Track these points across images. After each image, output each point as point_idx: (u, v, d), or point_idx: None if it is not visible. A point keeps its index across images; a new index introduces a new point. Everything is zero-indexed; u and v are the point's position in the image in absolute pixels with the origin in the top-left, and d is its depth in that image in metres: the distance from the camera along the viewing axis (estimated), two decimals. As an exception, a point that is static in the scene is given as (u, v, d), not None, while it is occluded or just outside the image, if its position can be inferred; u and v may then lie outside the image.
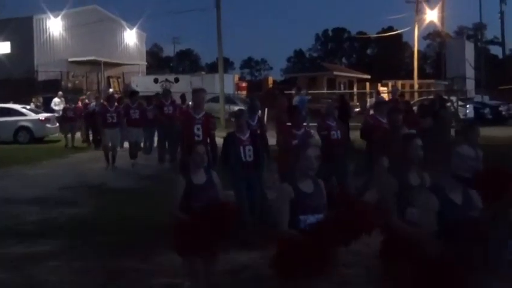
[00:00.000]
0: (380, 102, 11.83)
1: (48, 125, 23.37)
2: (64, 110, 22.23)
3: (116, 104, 15.73)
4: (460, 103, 29.64)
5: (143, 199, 10.88)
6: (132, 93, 17.50)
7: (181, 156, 10.27)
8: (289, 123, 9.28)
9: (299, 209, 4.46)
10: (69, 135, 21.10)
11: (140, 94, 18.50)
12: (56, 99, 26.84)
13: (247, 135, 8.09)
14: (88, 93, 27.53)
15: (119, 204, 10.52)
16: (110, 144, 14.97)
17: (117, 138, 15.23)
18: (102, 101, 19.57)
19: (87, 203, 10.71)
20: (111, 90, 33.13)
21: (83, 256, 7.41)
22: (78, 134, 21.66)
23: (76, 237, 8.29)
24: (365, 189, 9.03)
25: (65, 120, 21.44)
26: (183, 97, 18.47)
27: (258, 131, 9.36)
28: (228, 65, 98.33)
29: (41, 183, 13.04)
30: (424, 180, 4.74)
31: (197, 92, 9.21)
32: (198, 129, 8.76)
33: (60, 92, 28.32)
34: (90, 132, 20.81)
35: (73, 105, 22.16)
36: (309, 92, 40.29)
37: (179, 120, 10.21)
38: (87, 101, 22.57)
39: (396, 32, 63.54)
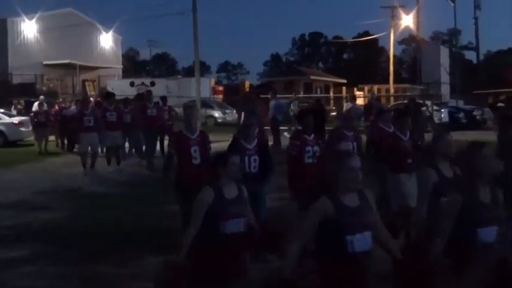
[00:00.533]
0: (383, 111, 11.22)
1: (23, 129, 23.02)
2: (35, 114, 21.00)
3: (92, 106, 15.39)
4: (435, 107, 29.93)
5: (119, 204, 10.81)
6: (107, 95, 17.08)
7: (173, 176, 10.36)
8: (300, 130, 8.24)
9: (346, 228, 3.71)
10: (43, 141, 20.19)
11: (116, 97, 18.34)
12: (36, 103, 26.47)
13: (254, 144, 7.34)
14: (63, 96, 27.29)
15: (95, 209, 10.42)
16: (88, 151, 14.47)
17: (96, 143, 14.57)
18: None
19: (62, 208, 10.62)
20: (91, 93, 31.85)
21: (57, 261, 7.34)
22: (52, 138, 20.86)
23: (51, 242, 8.19)
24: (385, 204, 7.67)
25: (37, 125, 20.44)
26: (164, 99, 17.97)
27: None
28: (204, 69, 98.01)
29: (15, 188, 12.85)
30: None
31: (189, 109, 7.96)
32: (195, 151, 7.45)
33: (42, 96, 27.54)
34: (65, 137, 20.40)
35: (43, 109, 21.07)
36: (286, 96, 40.59)
37: (171, 142, 8.54)
38: (63, 104, 22.15)
39: (372, 36, 63.99)
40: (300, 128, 8.31)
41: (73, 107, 20.12)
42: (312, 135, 7.85)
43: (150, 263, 7.05)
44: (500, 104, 25.04)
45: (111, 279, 6.71)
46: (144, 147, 15.93)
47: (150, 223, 9.15)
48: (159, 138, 16.17)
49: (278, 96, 24.19)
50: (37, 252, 7.73)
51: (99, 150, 15.27)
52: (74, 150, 18.56)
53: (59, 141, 21.05)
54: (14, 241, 8.28)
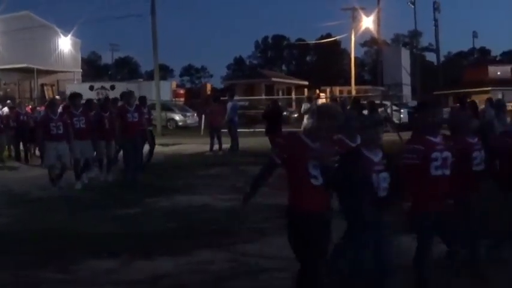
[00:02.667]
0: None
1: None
2: None
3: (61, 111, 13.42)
4: (394, 108, 30.16)
5: (65, 208, 10.47)
6: (73, 96, 14.34)
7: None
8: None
9: None
10: None
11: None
12: (5, 109, 25.69)
13: (380, 155, 5.19)
14: (18, 100, 26.38)
15: (39, 214, 10.02)
16: (55, 162, 12.39)
17: (65, 154, 12.35)
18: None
19: (4, 214, 10.22)
20: (57, 97, 29.38)
21: (-4, 268, 7.02)
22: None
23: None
24: None
25: None
26: (143, 100, 16.07)
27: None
28: (167, 72, 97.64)
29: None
30: None
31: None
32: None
33: (9, 101, 26.43)
34: (22, 146, 18.65)
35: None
36: (247, 98, 40.53)
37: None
38: (17, 109, 19.88)
39: (333, 38, 64.39)
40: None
41: (42, 112, 17.53)
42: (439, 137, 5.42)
43: (91, 268, 6.85)
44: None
45: (51, 284, 6.44)
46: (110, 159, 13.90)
47: (94, 228, 8.86)
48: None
49: (237, 98, 24.14)
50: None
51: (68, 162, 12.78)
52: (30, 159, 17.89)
53: (11, 152, 19.14)
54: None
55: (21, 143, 18.75)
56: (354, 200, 5.06)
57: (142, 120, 13.69)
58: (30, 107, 20.97)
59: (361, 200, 5.00)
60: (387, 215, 5.29)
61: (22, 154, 18.67)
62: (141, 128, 13.54)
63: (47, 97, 42.59)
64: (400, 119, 29.94)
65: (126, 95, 14.11)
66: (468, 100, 20.91)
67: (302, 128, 8.06)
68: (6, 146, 19.15)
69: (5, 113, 19.57)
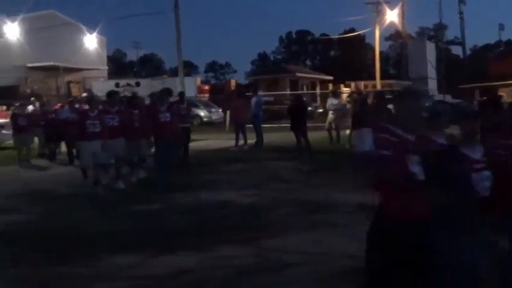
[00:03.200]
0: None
1: (4, 131, 22.61)
2: (14, 117, 18.18)
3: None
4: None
5: (89, 205, 10.54)
6: (111, 93, 13.53)
7: None
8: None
9: None
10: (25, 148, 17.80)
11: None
12: (30, 107, 25.91)
13: (481, 152, 4.62)
14: (46, 98, 26.53)
15: (64, 211, 10.13)
16: (91, 162, 11.71)
17: (101, 152, 11.67)
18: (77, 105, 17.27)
19: (30, 210, 10.29)
20: (84, 94, 28.41)
21: (20, 263, 7.07)
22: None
23: (13, 244, 7.92)
24: None
25: (17, 129, 17.79)
26: (182, 95, 16.27)
27: None
28: (192, 68, 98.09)
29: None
30: None
31: None
32: None
33: (33, 98, 26.71)
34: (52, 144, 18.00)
35: (26, 111, 18.80)
36: (272, 93, 40.44)
37: None
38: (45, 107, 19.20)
39: (357, 33, 63.93)
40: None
41: (66, 109, 17.35)
42: None
43: (115, 263, 6.86)
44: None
45: (74, 280, 6.46)
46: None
47: (117, 224, 8.90)
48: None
49: (261, 93, 24.08)
50: (-2, 254, 7.46)
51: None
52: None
53: (43, 150, 18.61)
54: (-25, 244, 8.00)
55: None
56: (451, 203, 4.26)
57: (175, 120, 13.04)
58: (59, 105, 20.14)
59: (460, 202, 4.28)
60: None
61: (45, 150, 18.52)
62: (174, 128, 12.85)
63: (73, 95, 43.05)
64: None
65: (158, 94, 13.58)
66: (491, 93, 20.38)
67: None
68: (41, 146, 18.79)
69: (30, 111, 19.46)
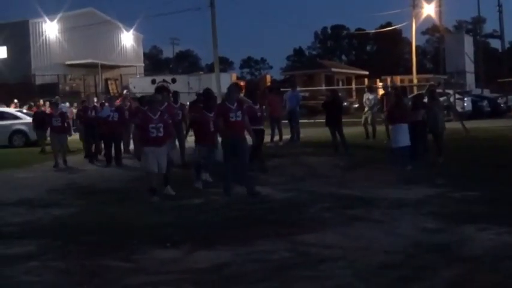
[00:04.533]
0: None
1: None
2: (36, 116, 18.98)
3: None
4: (457, 96, 29.49)
5: (129, 199, 10.77)
6: (175, 93, 14.46)
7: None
8: None
9: None
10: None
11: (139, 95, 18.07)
12: (66, 104, 26.44)
13: None
14: (86, 94, 26.74)
15: (104, 205, 10.37)
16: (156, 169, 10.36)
17: (164, 158, 10.53)
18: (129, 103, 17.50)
19: (72, 204, 10.58)
20: (125, 91, 27.43)
21: (63, 256, 7.25)
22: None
23: (58, 237, 8.12)
24: None
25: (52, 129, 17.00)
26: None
27: None
28: (227, 64, 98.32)
29: (29, 186, 12.92)
30: None
31: None
32: None
33: (57, 96, 27.31)
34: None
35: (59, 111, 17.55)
36: (307, 89, 40.36)
37: None
38: (86, 104, 19.03)
39: (393, 27, 63.32)
40: None
41: (106, 106, 16.93)
42: None
43: (155, 257, 7.01)
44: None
45: (116, 273, 6.60)
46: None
47: (157, 218, 9.08)
48: None
49: (297, 89, 24.06)
50: (43, 247, 7.66)
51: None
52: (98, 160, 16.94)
53: (87, 151, 17.72)
54: (21, 237, 8.23)
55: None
56: None
57: (246, 120, 11.01)
58: (99, 102, 19.62)
59: None
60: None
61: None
62: (243, 129, 11.01)
63: (110, 91, 43.65)
64: (463, 107, 29.25)
65: (227, 92, 11.62)
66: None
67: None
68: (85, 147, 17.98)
69: (64, 110, 19.75)
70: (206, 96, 12.29)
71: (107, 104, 17.29)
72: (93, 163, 16.72)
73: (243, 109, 10.93)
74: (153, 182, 10.46)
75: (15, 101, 29.14)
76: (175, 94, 14.95)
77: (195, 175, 11.89)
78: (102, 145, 16.88)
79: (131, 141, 15.32)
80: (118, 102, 18.50)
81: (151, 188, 10.40)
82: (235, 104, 10.80)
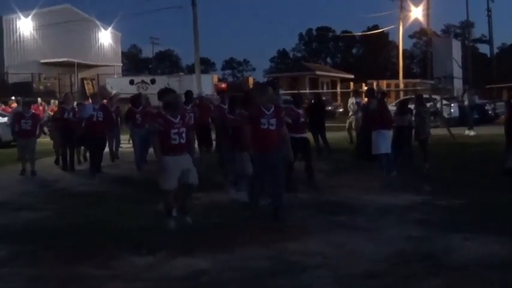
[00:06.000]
0: None
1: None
2: (15, 118, 15.96)
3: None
4: (444, 102, 29.73)
5: (105, 203, 10.73)
6: (188, 94, 14.83)
7: None
8: None
9: None
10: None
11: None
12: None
13: None
14: (64, 94, 25.68)
15: (79, 209, 10.33)
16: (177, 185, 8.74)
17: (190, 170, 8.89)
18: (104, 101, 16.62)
19: (46, 208, 10.51)
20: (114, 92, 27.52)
21: (36, 262, 7.21)
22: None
23: (30, 242, 8.08)
24: None
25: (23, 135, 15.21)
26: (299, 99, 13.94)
27: None
28: (209, 65, 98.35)
29: (2, 188, 12.84)
30: None
31: None
32: None
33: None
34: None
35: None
36: (290, 92, 40.46)
37: None
38: (63, 105, 16.74)
39: (380, 30, 63.73)
40: None
41: (88, 105, 15.87)
42: None
43: (133, 263, 6.99)
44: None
45: (91, 280, 6.58)
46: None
47: (135, 223, 9.04)
48: None
49: (281, 92, 24.10)
50: (15, 253, 7.61)
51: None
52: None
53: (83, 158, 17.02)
54: (-9, 242, 8.18)
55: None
56: None
57: (282, 128, 9.22)
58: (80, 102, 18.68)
59: None
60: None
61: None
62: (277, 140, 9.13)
63: (87, 91, 43.46)
64: (450, 113, 29.51)
65: (255, 91, 10.59)
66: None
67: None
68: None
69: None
70: (247, 95, 11.12)
71: (86, 102, 16.80)
72: (72, 171, 15.52)
73: (280, 116, 9.11)
74: (171, 200, 8.83)
75: None
76: (188, 94, 14.72)
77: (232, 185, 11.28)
78: (85, 152, 16.39)
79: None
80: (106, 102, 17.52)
81: (170, 209, 8.80)
82: (272, 109, 9.02)
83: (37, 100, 28.96)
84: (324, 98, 22.20)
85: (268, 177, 9.08)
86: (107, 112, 15.30)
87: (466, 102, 26.79)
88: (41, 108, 26.82)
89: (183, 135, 8.79)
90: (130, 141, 16.32)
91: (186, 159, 8.83)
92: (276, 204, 8.99)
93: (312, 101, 18.72)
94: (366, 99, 17.20)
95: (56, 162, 16.58)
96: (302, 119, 11.99)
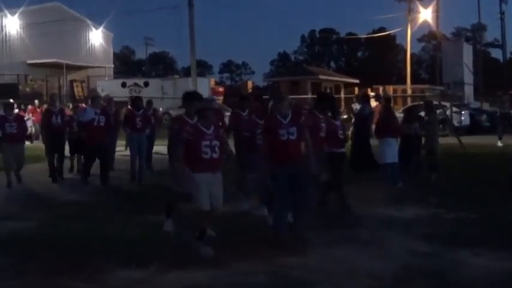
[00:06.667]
0: None
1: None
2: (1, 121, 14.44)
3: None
4: (454, 109, 29.77)
5: (94, 214, 10.69)
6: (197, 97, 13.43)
7: None
8: None
9: None
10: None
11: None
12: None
13: None
14: (50, 95, 25.47)
15: (68, 219, 10.29)
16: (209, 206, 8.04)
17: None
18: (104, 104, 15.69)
19: (32, 217, 10.48)
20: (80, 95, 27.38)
21: (20, 274, 7.21)
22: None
23: (15, 253, 8.08)
24: None
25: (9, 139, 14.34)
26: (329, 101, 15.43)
27: None
28: (206, 68, 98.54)
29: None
30: None
31: None
32: None
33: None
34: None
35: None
36: (291, 97, 40.48)
37: None
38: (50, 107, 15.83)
39: (387, 32, 63.93)
40: None
41: (89, 108, 14.62)
42: None
43: (121, 277, 6.99)
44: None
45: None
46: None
47: (124, 235, 9.03)
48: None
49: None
50: (-1, 264, 7.62)
51: None
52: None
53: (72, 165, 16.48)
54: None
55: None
56: None
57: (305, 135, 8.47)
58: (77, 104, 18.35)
59: None
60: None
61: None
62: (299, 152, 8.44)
63: (76, 95, 43.47)
64: (460, 121, 29.54)
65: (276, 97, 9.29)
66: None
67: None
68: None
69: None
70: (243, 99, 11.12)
71: (83, 105, 15.97)
72: (56, 182, 14.86)
73: (300, 123, 8.35)
74: (204, 224, 8.09)
75: None
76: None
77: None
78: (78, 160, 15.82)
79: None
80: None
81: (202, 233, 8.05)
82: (289, 116, 8.28)
83: (22, 103, 28.93)
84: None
85: (291, 193, 8.22)
86: (109, 117, 14.65)
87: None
88: (38, 110, 26.66)
89: (216, 149, 7.96)
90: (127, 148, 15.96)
91: (216, 179, 8.05)
92: (296, 218, 8.40)
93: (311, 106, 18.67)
94: (375, 104, 17.10)
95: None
96: (340, 132, 10.69)
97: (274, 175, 8.29)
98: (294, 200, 8.24)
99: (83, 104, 17.22)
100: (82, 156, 15.34)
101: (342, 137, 10.71)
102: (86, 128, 14.11)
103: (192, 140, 7.88)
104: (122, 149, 17.98)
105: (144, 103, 16.15)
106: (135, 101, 15.76)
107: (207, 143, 7.89)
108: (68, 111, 17.34)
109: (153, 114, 17.46)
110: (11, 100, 16.67)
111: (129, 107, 15.92)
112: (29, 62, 44.13)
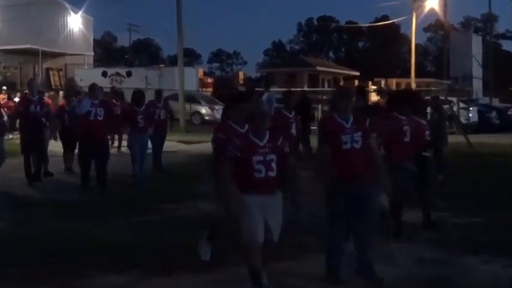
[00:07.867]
0: None
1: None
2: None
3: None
4: (462, 105, 29.83)
5: (73, 214, 10.70)
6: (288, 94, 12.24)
7: None
8: None
9: None
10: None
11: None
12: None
13: None
14: (28, 80, 25.10)
15: (46, 220, 10.28)
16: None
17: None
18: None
19: (6, 218, 10.42)
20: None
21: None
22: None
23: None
24: None
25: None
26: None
27: None
28: (194, 57, 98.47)
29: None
30: None
31: None
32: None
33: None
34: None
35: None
36: (283, 90, 40.53)
37: None
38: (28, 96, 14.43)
39: (391, 21, 64.04)
40: None
41: (85, 99, 13.66)
42: None
43: (101, 284, 6.99)
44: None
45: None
46: None
47: (106, 238, 9.02)
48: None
49: (274, 89, 24.18)
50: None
51: None
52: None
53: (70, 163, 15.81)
54: None
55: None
56: None
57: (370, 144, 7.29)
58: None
59: None
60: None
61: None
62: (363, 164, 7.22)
63: (52, 83, 43.31)
64: (468, 118, 29.63)
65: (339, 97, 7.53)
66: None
67: None
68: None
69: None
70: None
71: (74, 98, 15.40)
72: (32, 185, 13.95)
73: (364, 127, 7.08)
74: (255, 260, 6.58)
75: None
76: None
77: None
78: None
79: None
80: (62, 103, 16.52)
81: (257, 273, 6.54)
82: (351, 120, 7.03)
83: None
84: (325, 97, 22.16)
85: (353, 218, 7.04)
86: (109, 109, 13.64)
87: None
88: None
89: (273, 165, 6.59)
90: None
91: (273, 202, 6.66)
92: (361, 257, 7.04)
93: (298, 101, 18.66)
94: (378, 99, 16.99)
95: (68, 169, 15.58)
96: (427, 132, 9.68)
97: (331, 194, 7.10)
98: (356, 231, 7.13)
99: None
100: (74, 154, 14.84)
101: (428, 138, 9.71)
102: (80, 122, 13.13)
103: (241, 157, 6.56)
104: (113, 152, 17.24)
105: (146, 98, 15.07)
106: (137, 95, 14.52)
107: (260, 158, 6.53)
108: (48, 100, 16.77)
109: (165, 106, 16.72)
110: None
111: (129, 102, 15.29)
112: (1, 48, 43.82)
